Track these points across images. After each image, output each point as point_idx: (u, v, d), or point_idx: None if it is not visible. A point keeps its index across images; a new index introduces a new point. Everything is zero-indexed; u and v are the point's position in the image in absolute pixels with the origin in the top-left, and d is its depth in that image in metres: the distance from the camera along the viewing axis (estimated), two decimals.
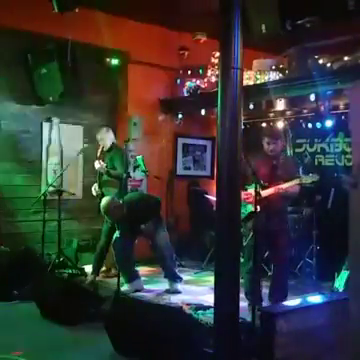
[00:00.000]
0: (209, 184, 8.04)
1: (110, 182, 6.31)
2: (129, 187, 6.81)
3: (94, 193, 6.44)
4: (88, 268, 6.55)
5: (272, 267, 5.14)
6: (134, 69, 7.47)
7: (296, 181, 4.81)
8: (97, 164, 6.29)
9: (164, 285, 5.93)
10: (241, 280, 3.85)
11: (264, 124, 7.50)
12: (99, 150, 6.39)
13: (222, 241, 3.66)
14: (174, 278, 5.81)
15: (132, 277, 5.77)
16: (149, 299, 5.11)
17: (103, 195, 6.39)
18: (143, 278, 6.21)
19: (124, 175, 5.50)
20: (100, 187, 6.35)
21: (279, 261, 4.98)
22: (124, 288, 5.59)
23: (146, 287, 5.91)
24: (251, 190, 4.80)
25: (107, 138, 6.43)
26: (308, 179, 4.87)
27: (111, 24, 6.56)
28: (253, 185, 4.77)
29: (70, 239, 6.92)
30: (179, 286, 5.78)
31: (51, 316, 4.74)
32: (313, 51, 5.96)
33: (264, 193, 4.77)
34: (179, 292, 5.71)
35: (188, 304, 4.94)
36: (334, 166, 6.84)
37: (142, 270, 6.88)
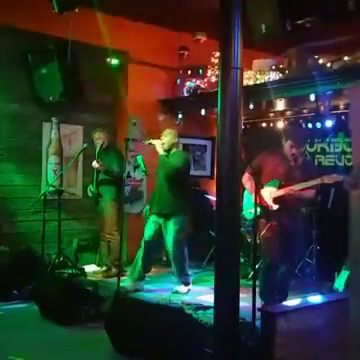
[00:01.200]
0: (209, 184, 8.04)
1: (107, 181, 6.32)
2: (128, 187, 6.82)
3: (90, 194, 6.46)
4: (88, 268, 6.56)
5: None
6: (134, 69, 7.47)
7: (317, 181, 4.75)
8: (95, 163, 6.31)
9: (164, 285, 5.94)
10: (241, 280, 3.84)
11: (264, 124, 7.51)
12: (97, 149, 6.41)
13: (222, 241, 3.66)
14: (176, 281, 5.81)
15: (139, 277, 5.79)
16: (149, 299, 5.11)
17: (99, 195, 6.41)
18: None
19: (124, 175, 5.50)
20: (97, 186, 6.37)
21: (286, 262, 4.93)
22: (126, 284, 5.65)
23: (146, 287, 5.92)
24: (268, 188, 4.82)
25: (104, 138, 6.46)
26: (331, 179, 4.81)
27: (111, 24, 6.56)
28: (274, 183, 4.80)
29: (70, 239, 6.92)
30: (179, 288, 5.75)
31: (51, 316, 4.75)
32: (313, 51, 5.96)
33: (277, 193, 4.80)
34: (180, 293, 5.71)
35: (188, 304, 4.94)
36: (334, 166, 6.84)
37: None
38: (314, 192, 4.92)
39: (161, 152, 5.76)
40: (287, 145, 4.91)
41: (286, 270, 4.94)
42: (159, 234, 5.72)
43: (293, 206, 4.88)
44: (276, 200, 4.81)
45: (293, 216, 4.90)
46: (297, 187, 4.75)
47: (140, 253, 5.78)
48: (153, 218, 5.76)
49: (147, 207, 6.02)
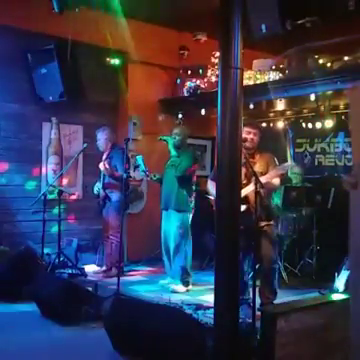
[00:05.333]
0: None
1: (113, 183, 6.32)
2: (130, 187, 6.81)
3: (95, 191, 6.45)
4: (88, 268, 6.56)
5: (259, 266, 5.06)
6: (134, 69, 7.47)
7: (273, 172, 4.71)
8: (102, 166, 6.31)
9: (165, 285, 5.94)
10: None
11: (264, 124, 7.51)
12: (106, 153, 6.41)
13: (222, 241, 3.66)
14: (176, 279, 5.81)
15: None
16: (149, 299, 5.11)
17: (107, 196, 6.40)
18: (143, 278, 6.22)
19: (124, 175, 5.50)
20: (103, 188, 6.38)
21: (264, 260, 4.87)
22: (166, 281, 5.86)
23: (146, 287, 5.92)
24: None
25: (107, 137, 6.45)
26: (285, 168, 4.77)
27: (111, 24, 6.56)
28: None
29: (70, 239, 6.91)
30: (177, 287, 5.72)
31: (51, 316, 4.75)
32: (313, 51, 5.96)
33: (244, 191, 4.59)
34: (173, 291, 5.69)
35: (188, 304, 4.94)
36: (334, 166, 6.85)
37: (142, 270, 6.90)
38: (278, 181, 4.87)
39: (173, 152, 5.90)
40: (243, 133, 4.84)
41: (265, 269, 4.88)
42: None
43: (261, 202, 4.68)
44: (242, 200, 4.53)
45: (264, 211, 4.79)
46: (262, 179, 4.59)
47: (162, 250, 5.93)
48: (163, 214, 5.95)
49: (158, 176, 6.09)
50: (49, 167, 6.97)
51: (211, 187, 5.01)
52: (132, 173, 6.71)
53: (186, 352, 3.57)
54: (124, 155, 5.56)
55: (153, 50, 7.42)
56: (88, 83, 6.62)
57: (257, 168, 4.79)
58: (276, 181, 4.86)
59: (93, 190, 6.51)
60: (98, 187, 6.44)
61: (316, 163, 7.04)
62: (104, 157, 6.42)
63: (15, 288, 5.34)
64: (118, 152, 6.32)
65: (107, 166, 6.26)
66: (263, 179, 4.62)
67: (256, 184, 4.31)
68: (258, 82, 6.44)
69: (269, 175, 4.72)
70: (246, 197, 4.68)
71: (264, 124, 7.53)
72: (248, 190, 4.69)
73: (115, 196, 6.35)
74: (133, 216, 7.21)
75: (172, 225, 5.81)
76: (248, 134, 4.84)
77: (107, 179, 6.37)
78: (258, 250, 4.77)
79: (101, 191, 6.40)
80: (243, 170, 4.47)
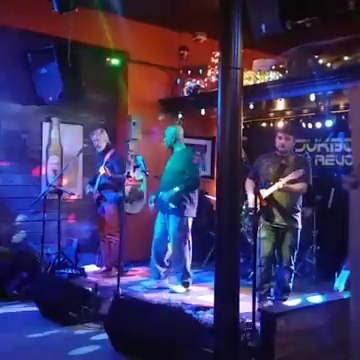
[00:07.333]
0: (209, 184, 8.03)
1: (110, 184, 6.31)
2: (128, 187, 6.82)
3: (87, 191, 6.44)
4: (88, 268, 6.55)
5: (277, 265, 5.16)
6: (134, 69, 7.47)
7: (289, 177, 4.81)
8: (102, 170, 6.26)
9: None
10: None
11: (264, 124, 7.51)
12: (107, 156, 6.37)
13: (222, 241, 3.66)
14: (175, 280, 5.81)
15: (159, 275, 5.89)
16: (149, 299, 5.10)
17: (102, 197, 6.39)
18: (143, 278, 6.22)
19: (124, 175, 5.49)
20: (100, 189, 6.36)
21: (283, 259, 5.01)
22: (149, 284, 5.85)
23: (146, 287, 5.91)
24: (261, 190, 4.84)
25: (102, 139, 6.43)
26: (296, 175, 4.85)
27: (111, 24, 6.56)
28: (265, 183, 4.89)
29: (70, 239, 6.91)
30: (177, 288, 5.74)
31: (51, 316, 4.75)
32: (313, 51, 5.96)
33: (266, 193, 4.85)
34: (165, 288, 5.74)
35: (188, 304, 4.93)
36: (334, 166, 6.84)
37: (142, 270, 6.89)
38: (305, 185, 4.96)
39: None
40: (276, 137, 5.03)
41: (282, 268, 5.03)
42: (167, 232, 5.84)
43: (285, 203, 4.93)
44: (267, 199, 4.85)
45: (287, 213, 4.95)
46: (283, 180, 4.80)
47: (152, 252, 5.91)
48: (159, 217, 5.91)
49: (153, 197, 6.06)
50: (49, 167, 6.96)
51: (247, 185, 5.11)
52: (132, 173, 6.70)
53: (186, 352, 3.57)
54: (122, 161, 5.56)
55: (153, 50, 7.43)
56: (88, 83, 6.62)
57: (288, 171, 4.92)
58: (297, 186, 4.90)
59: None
60: (89, 188, 6.43)
61: (316, 163, 7.04)
62: (105, 161, 6.39)
63: (15, 288, 5.35)
64: (116, 153, 6.34)
65: (108, 172, 6.24)
66: (280, 183, 4.80)
67: (256, 185, 4.33)
68: (258, 82, 6.43)
69: (284, 179, 4.83)
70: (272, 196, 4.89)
71: (264, 124, 7.53)
72: (271, 190, 4.86)
73: (111, 195, 6.34)
74: (133, 216, 7.19)
75: (171, 228, 5.76)
76: (280, 139, 5.01)
77: (103, 180, 6.35)
78: (279, 250, 5.01)
79: (95, 191, 6.38)
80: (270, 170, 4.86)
